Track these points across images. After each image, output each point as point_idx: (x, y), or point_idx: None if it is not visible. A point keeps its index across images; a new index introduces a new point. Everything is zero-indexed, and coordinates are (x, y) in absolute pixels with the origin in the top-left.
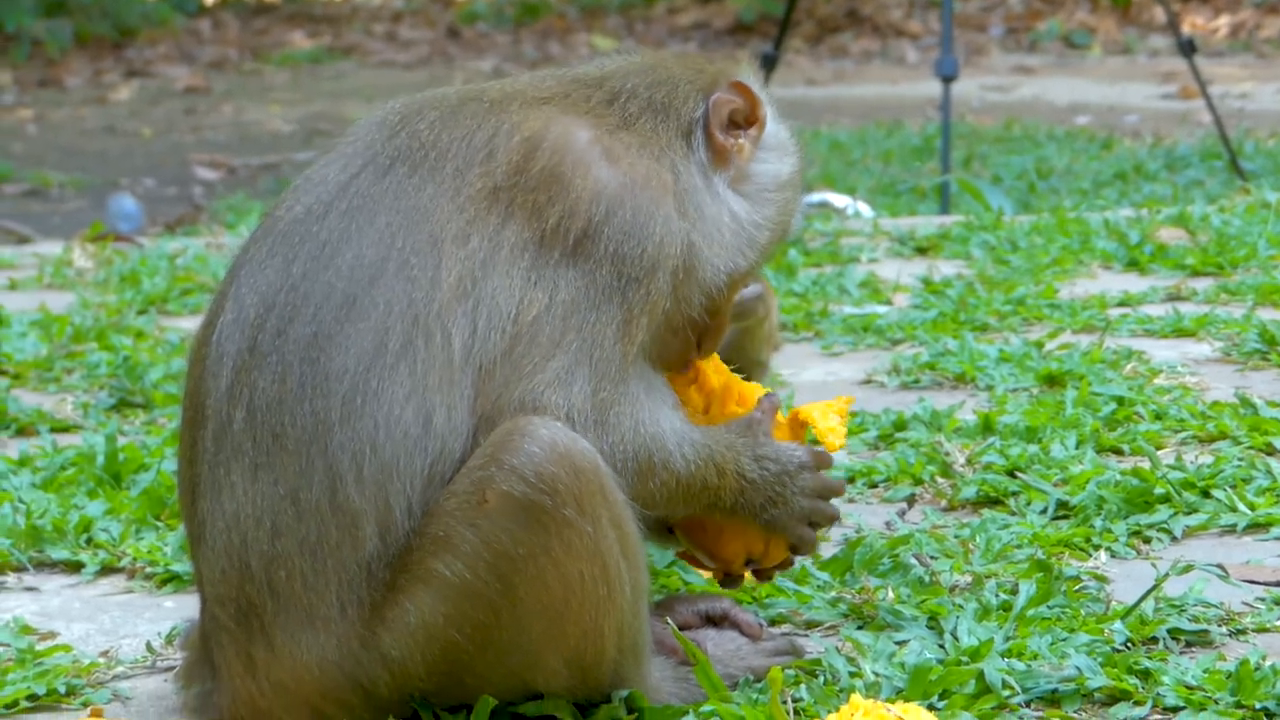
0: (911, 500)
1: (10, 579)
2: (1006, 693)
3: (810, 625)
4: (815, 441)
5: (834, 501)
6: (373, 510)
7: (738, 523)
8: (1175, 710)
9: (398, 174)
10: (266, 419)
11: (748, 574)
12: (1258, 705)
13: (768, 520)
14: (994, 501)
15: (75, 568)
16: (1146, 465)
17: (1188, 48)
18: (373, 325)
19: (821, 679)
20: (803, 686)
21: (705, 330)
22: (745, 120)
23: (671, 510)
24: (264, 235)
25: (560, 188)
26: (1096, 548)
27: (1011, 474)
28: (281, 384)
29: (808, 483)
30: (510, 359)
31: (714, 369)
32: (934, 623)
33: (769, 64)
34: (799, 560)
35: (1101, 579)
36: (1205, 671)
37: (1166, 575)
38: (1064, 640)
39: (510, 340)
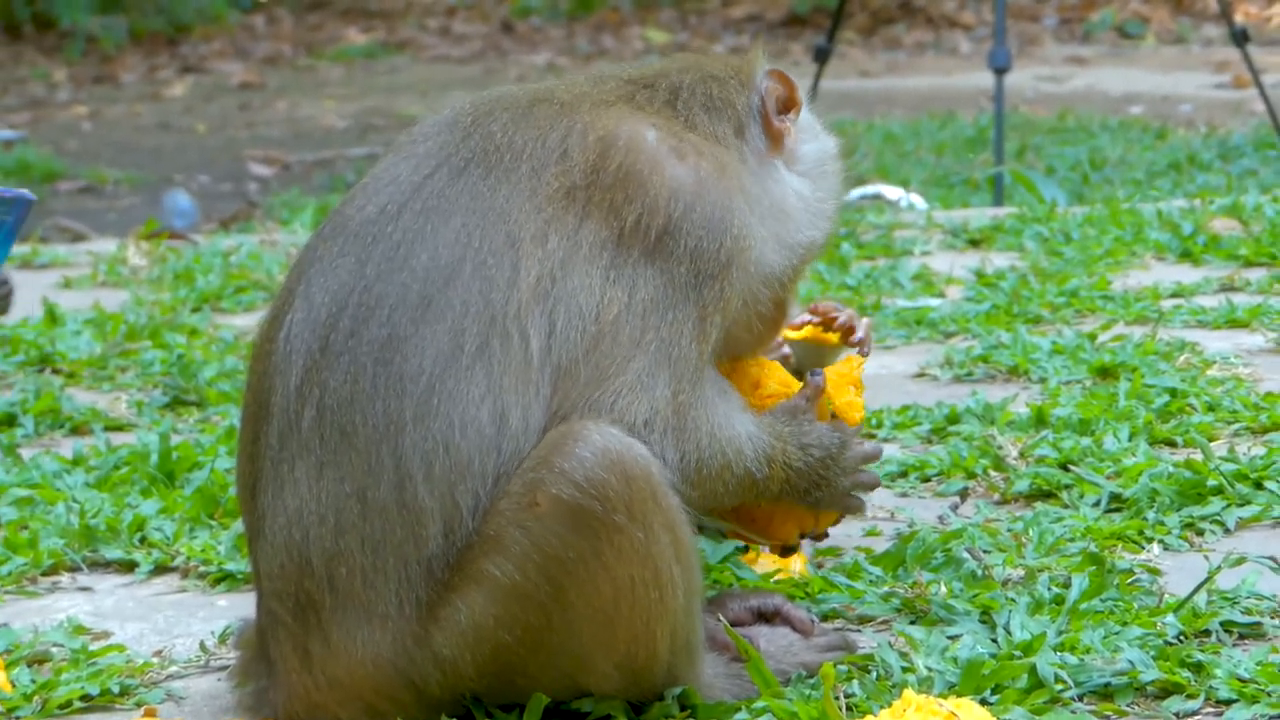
0: (964, 494)
1: (64, 579)
2: (1059, 687)
3: (862, 620)
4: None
5: (873, 467)
6: (440, 509)
7: (784, 506)
8: (1228, 703)
9: (472, 175)
10: (336, 417)
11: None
12: None
13: (813, 501)
14: (1047, 495)
15: (129, 567)
16: (1199, 457)
17: (1241, 37)
18: (449, 326)
19: (874, 674)
20: (855, 682)
21: (774, 319)
22: (785, 105)
23: (723, 504)
24: (334, 234)
25: (637, 185)
26: (1149, 540)
27: (1064, 467)
28: (354, 384)
29: (849, 462)
30: (592, 359)
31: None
32: (986, 617)
33: (822, 56)
34: (853, 556)
35: (1154, 572)
36: (1258, 664)
37: (1219, 568)
38: (1117, 634)
39: (592, 340)
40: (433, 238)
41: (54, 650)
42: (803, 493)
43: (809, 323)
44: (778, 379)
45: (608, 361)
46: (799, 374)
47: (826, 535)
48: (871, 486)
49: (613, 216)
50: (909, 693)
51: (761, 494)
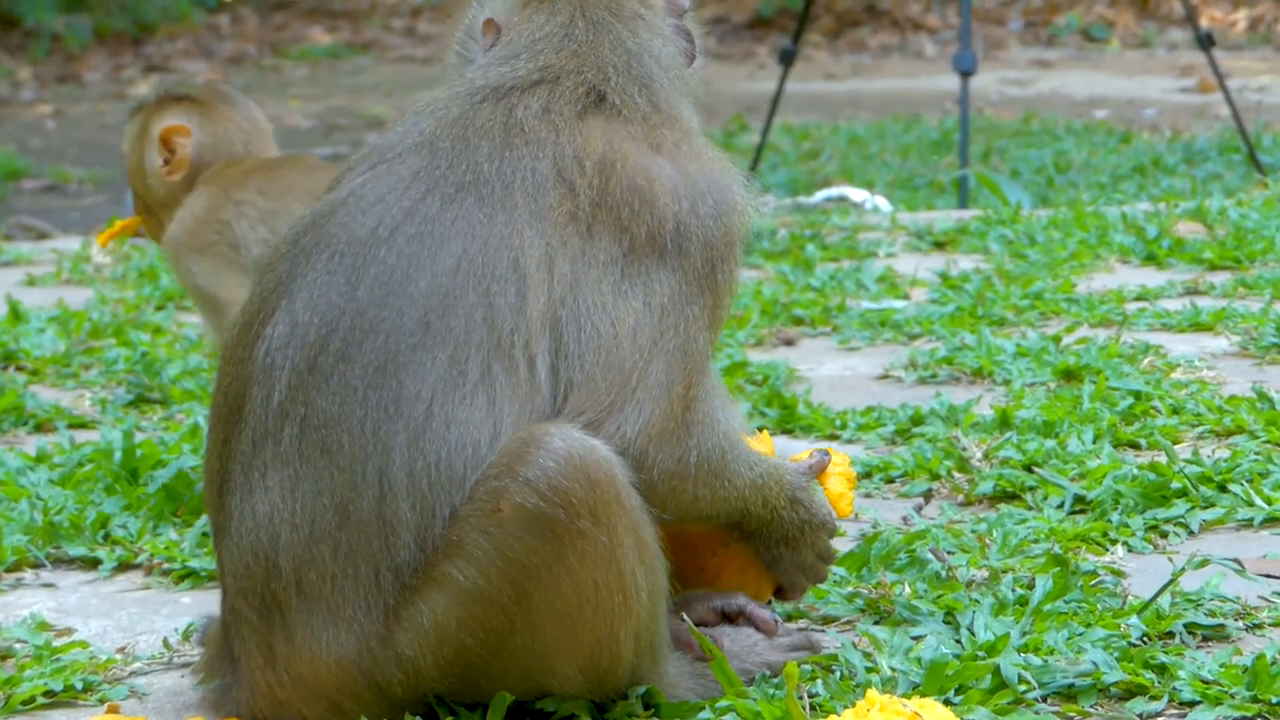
0: (928, 495)
1: (28, 575)
2: (1023, 688)
3: (827, 621)
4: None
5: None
6: (418, 521)
7: (743, 557)
8: (1191, 705)
9: (466, 203)
10: (320, 435)
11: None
12: (1274, 700)
13: (773, 557)
14: (1011, 496)
15: (92, 564)
16: (1163, 460)
17: (1206, 41)
18: (450, 353)
19: (838, 674)
20: (819, 682)
21: None
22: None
23: (708, 516)
24: (317, 249)
25: (641, 200)
26: (1113, 542)
27: (1028, 469)
28: (342, 405)
29: (821, 541)
30: (612, 369)
31: None
32: (950, 618)
33: (787, 59)
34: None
35: (1118, 573)
36: (1221, 666)
37: (1183, 570)
38: (1080, 635)
39: (609, 352)
40: (431, 264)
41: (17, 646)
42: (770, 544)
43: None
44: (766, 448)
45: (630, 367)
46: None
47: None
48: (820, 579)
49: (621, 233)
50: (873, 693)
51: (740, 521)
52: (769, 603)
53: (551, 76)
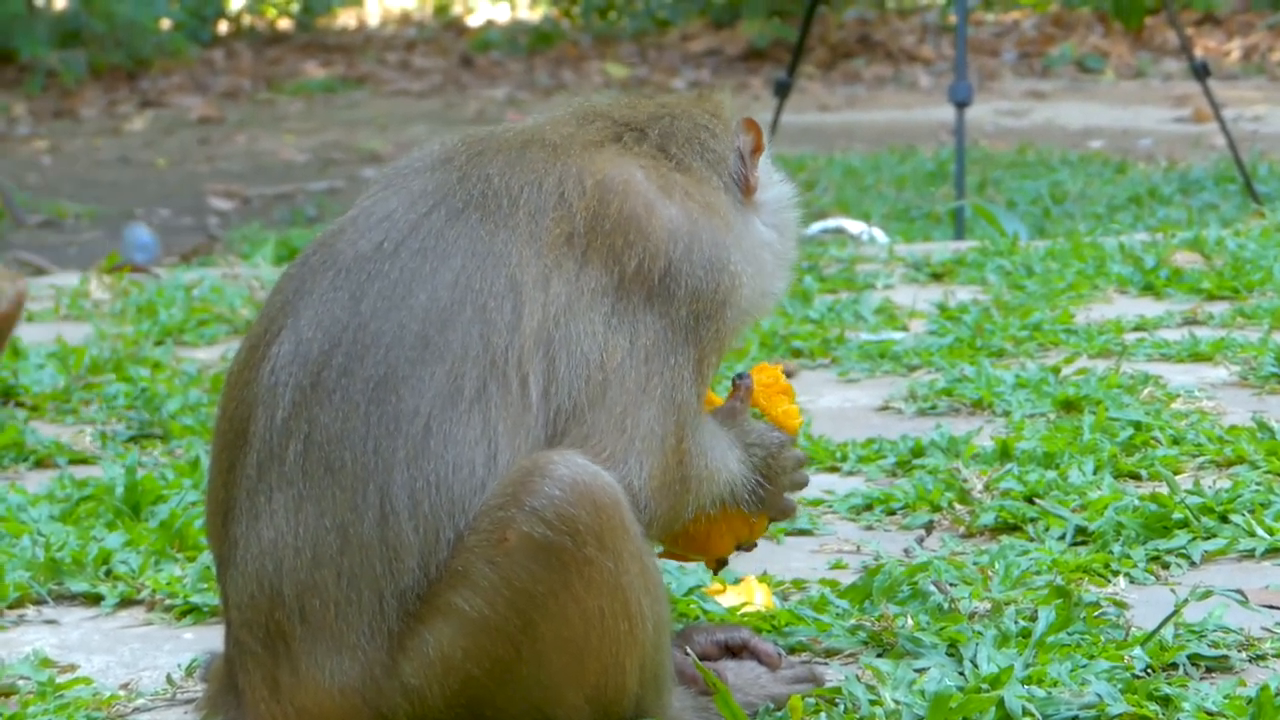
0: (930, 527)
1: (30, 612)
2: None
3: (830, 653)
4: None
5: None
6: (420, 545)
7: (722, 518)
8: None
9: (471, 219)
10: (323, 453)
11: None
12: None
13: (757, 502)
14: (1012, 528)
15: (95, 600)
16: (1164, 490)
17: (1201, 71)
18: (447, 369)
19: (841, 707)
20: (822, 715)
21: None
22: (753, 152)
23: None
24: (324, 267)
25: (636, 230)
26: (1115, 573)
27: (1029, 500)
28: (345, 421)
29: (788, 461)
30: (601, 408)
31: None
32: (953, 650)
33: (783, 91)
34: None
35: (1121, 605)
36: (1225, 697)
37: (1186, 601)
38: (1084, 667)
39: (598, 387)
40: (431, 278)
41: (20, 683)
42: (750, 494)
43: None
44: (777, 382)
45: (619, 410)
46: None
47: (755, 545)
48: (803, 485)
49: (613, 262)
50: None
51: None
52: (754, 544)
53: (590, 115)
